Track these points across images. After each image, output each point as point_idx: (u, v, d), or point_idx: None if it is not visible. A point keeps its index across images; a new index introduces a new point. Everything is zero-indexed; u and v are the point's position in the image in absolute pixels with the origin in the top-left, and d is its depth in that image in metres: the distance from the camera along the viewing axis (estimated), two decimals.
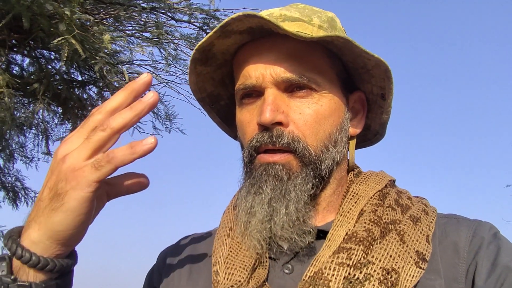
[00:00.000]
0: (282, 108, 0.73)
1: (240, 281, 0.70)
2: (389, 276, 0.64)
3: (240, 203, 0.76)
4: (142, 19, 4.43)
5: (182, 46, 4.63)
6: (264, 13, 0.78)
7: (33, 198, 5.55)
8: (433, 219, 0.76)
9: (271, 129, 0.73)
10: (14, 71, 4.12)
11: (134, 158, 0.57)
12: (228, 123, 0.94)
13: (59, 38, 2.87)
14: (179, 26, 4.56)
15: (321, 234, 0.75)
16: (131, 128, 5.17)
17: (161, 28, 4.22)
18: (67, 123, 4.85)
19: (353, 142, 0.84)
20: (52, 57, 4.19)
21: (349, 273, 0.65)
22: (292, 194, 0.72)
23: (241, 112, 0.79)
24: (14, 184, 5.41)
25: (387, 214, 0.75)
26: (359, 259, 0.67)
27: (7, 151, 5.06)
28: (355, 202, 0.77)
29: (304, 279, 0.67)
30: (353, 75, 0.83)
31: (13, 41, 3.59)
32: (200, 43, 0.76)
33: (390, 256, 0.67)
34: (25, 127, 4.78)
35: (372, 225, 0.71)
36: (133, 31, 4.46)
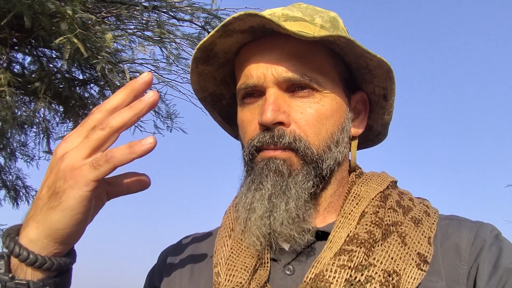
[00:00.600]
0: (284, 108, 0.73)
1: (241, 282, 0.70)
2: (391, 279, 0.64)
3: (240, 200, 0.75)
4: (144, 18, 4.43)
5: (183, 45, 4.63)
6: (266, 13, 0.77)
7: (34, 197, 5.56)
8: (434, 221, 0.76)
9: (272, 129, 0.72)
10: (15, 70, 4.12)
11: (133, 158, 0.57)
12: (230, 123, 0.94)
13: (61, 37, 2.87)
14: (180, 25, 4.57)
15: (322, 235, 0.74)
16: (132, 127, 5.18)
17: (162, 27, 4.22)
18: (68, 121, 4.85)
19: (354, 143, 0.84)
20: (54, 55, 4.19)
21: (350, 275, 0.64)
22: (293, 191, 0.71)
23: (243, 111, 0.79)
24: (15, 183, 5.42)
25: (388, 216, 0.74)
26: (360, 261, 0.66)
27: (8, 149, 5.06)
28: (356, 204, 0.76)
29: (305, 281, 0.66)
30: (355, 75, 0.83)
31: (14, 40, 3.58)
32: (201, 42, 0.75)
33: (392, 258, 0.66)
34: (26, 126, 4.78)
35: (373, 227, 0.71)
36: (135, 30, 4.46)
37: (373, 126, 0.89)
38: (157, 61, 4.68)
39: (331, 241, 0.71)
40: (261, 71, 0.74)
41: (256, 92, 0.76)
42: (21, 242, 0.59)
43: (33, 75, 3.97)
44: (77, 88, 4.53)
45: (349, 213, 0.75)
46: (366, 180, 0.82)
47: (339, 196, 0.80)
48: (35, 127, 4.91)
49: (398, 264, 0.66)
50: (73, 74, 4.48)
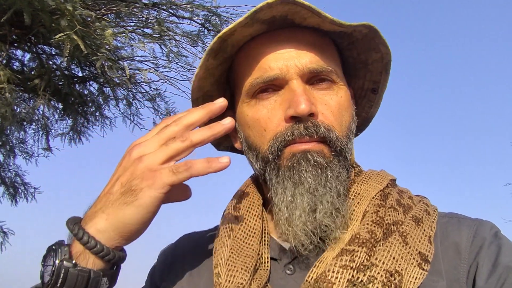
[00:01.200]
0: (312, 99, 0.72)
1: (242, 283, 0.69)
2: (393, 279, 0.64)
3: (279, 201, 0.72)
4: (144, 16, 4.43)
5: (183, 43, 4.63)
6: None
7: (33, 194, 5.55)
8: (434, 219, 0.76)
9: (305, 121, 0.70)
10: (14, 66, 4.11)
11: (209, 172, 0.63)
12: None
13: (61, 34, 2.86)
14: (180, 23, 4.56)
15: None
16: (132, 125, 5.18)
17: (162, 24, 4.21)
18: (67, 119, 4.85)
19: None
20: (53, 52, 4.19)
21: (352, 276, 0.64)
22: (333, 184, 0.71)
23: (256, 108, 0.75)
24: (13, 180, 5.41)
25: (389, 215, 0.74)
26: (362, 261, 0.66)
27: (7, 146, 5.06)
28: (357, 203, 0.76)
29: (307, 280, 0.66)
30: (347, 72, 0.83)
31: (14, 37, 3.58)
32: (226, 29, 0.71)
33: (393, 258, 0.66)
34: (25, 123, 4.77)
35: (374, 227, 0.71)
36: (135, 28, 4.45)
37: None
38: (157, 59, 4.69)
39: (334, 242, 0.71)
40: (282, 63, 0.72)
41: (271, 87, 0.74)
42: (89, 231, 0.62)
43: (33, 72, 3.96)
44: (77, 85, 4.52)
45: (351, 213, 0.74)
46: (365, 178, 0.81)
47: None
48: (34, 124, 4.91)
49: (400, 264, 0.66)
50: (73, 71, 4.48)
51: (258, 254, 0.74)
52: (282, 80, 0.73)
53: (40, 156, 5.25)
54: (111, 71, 3.69)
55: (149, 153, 0.63)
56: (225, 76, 0.84)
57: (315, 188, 0.70)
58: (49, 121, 4.90)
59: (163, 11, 4.38)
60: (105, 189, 0.65)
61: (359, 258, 0.66)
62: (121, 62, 4.17)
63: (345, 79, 0.80)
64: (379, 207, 0.75)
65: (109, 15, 4.17)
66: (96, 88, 4.77)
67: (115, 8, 4.11)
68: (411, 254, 0.68)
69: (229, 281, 0.70)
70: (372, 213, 0.73)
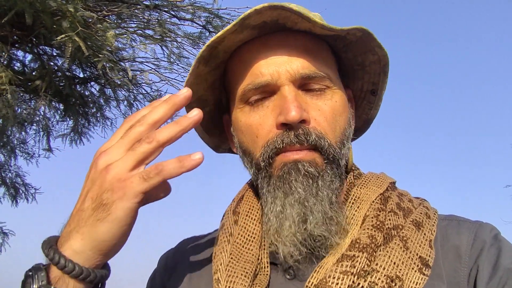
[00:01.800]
0: (303, 105, 0.70)
1: None
2: (393, 284, 0.63)
3: (268, 211, 0.72)
4: (145, 17, 4.43)
5: (185, 44, 4.63)
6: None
7: (33, 195, 5.56)
8: (434, 222, 0.75)
9: (296, 128, 0.69)
10: (15, 67, 4.12)
11: (183, 171, 0.58)
12: (208, 132, 0.89)
13: (62, 35, 2.86)
14: (182, 25, 4.57)
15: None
16: None
17: (164, 26, 4.22)
18: (68, 119, 4.86)
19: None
20: (55, 54, 4.19)
21: (353, 282, 0.63)
22: (324, 193, 0.69)
23: (248, 115, 0.74)
24: (14, 180, 5.41)
25: (389, 219, 0.73)
26: (363, 266, 0.65)
27: (8, 147, 5.06)
28: (357, 207, 0.75)
29: (307, 286, 0.65)
30: (345, 74, 0.82)
31: (15, 38, 3.58)
32: (214, 37, 0.71)
33: (394, 263, 0.66)
34: (26, 124, 4.78)
35: (375, 231, 0.70)
36: (136, 29, 4.45)
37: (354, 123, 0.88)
38: (158, 60, 4.69)
39: (334, 246, 0.71)
40: (274, 68, 0.71)
41: (263, 93, 0.73)
42: (65, 254, 0.58)
43: (34, 73, 3.97)
44: (78, 86, 4.53)
45: (351, 218, 0.74)
46: (365, 182, 0.80)
47: (339, 196, 0.79)
48: (35, 124, 4.92)
49: (400, 269, 0.65)
50: (74, 72, 4.49)
51: (258, 259, 0.73)
52: (274, 86, 0.71)
53: (41, 157, 5.26)
54: (112, 72, 3.70)
55: (116, 161, 0.58)
56: (219, 81, 0.83)
57: (305, 199, 0.69)
58: (50, 122, 4.92)
59: (164, 12, 4.38)
60: (76, 206, 0.61)
61: (359, 263, 0.65)
62: (122, 63, 4.18)
63: (341, 81, 0.79)
64: (379, 211, 0.74)
65: (110, 16, 4.18)
66: (97, 89, 4.78)
67: (116, 10, 4.11)
68: (412, 259, 0.67)
69: (229, 287, 0.69)
70: (372, 218, 0.73)
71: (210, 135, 0.90)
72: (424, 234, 0.72)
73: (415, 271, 0.66)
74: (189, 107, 0.81)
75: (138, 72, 4.54)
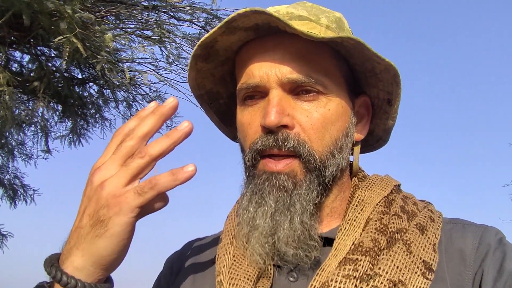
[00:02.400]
0: (288, 110, 0.70)
1: None
2: None
3: (242, 213, 0.73)
4: (144, 18, 4.43)
5: (183, 45, 4.63)
6: (270, 10, 0.75)
7: (32, 196, 5.56)
8: (439, 226, 0.74)
9: (276, 132, 0.69)
10: (13, 68, 4.11)
11: (176, 184, 0.59)
12: (227, 123, 0.91)
13: (60, 37, 2.86)
14: (180, 25, 4.56)
15: (326, 240, 0.73)
16: None
17: (162, 27, 4.22)
18: (67, 121, 4.85)
19: (357, 148, 0.81)
20: (53, 54, 4.18)
21: (355, 286, 0.63)
22: (297, 206, 0.69)
23: (242, 113, 0.76)
24: (12, 182, 5.41)
25: (393, 223, 0.73)
26: (365, 270, 0.65)
27: (6, 148, 5.05)
28: (361, 210, 0.74)
29: None
30: (359, 79, 0.80)
31: (13, 38, 3.57)
32: (203, 38, 0.72)
33: (397, 267, 0.65)
34: (24, 125, 4.77)
35: (378, 234, 0.70)
36: (134, 30, 4.45)
37: (374, 131, 0.86)
38: (157, 61, 4.69)
39: (336, 248, 0.70)
40: (264, 70, 0.71)
41: (258, 94, 0.74)
42: (66, 271, 0.60)
43: (32, 74, 3.97)
44: (76, 87, 4.52)
45: (354, 220, 0.73)
46: (369, 184, 0.80)
47: (342, 200, 0.78)
48: (33, 126, 4.91)
49: (403, 273, 0.65)
50: (72, 73, 4.48)
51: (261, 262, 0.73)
52: (263, 88, 0.72)
53: (39, 158, 5.26)
54: (111, 74, 3.69)
55: (110, 177, 0.59)
56: (230, 76, 0.84)
57: (276, 212, 0.69)
58: (48, 123, 4.91)
59: (163, 13, 4.38)
60: (75, 223, 0.62)
61: (362, 267, 0.65)
62: (120, 64, 4.17)
63: (350, 88, 0.78)
64: (383, 214, 0.74)
65: (108, 17, 4.17)
66: (96, 90, 4.78)
67: (114, 10, 4.11)
68: (415, 263, 0.67)
69: None
70: (376, 221, 0.72)
71: (228, 126, 0.91)
72: (428, 237, 0.71)
73: (418, 275, 0.66)
74: (200, 98, 0.85)
75: (137, 73, 4.54)
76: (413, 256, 0.67)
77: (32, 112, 4.42)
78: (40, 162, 5.32)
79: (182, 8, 4.37)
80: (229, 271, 0.72)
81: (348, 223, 0.73)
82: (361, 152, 0.87)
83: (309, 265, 0.71)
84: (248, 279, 0.70)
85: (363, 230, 0.72)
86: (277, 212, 0.69)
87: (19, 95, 4.14)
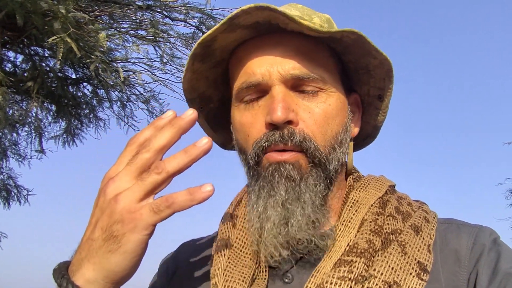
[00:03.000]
0: (292, 106, 0.70)
1: None
2: None
3: (251, 209, 0.72)
4: (138, 18, 4.41)
5: (178, 45, 4.62)
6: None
7: (26, 197, 5.53)
8: (433, 226, 0.75)
9: (281, 128, 0.69)
10: (6, 68, 4.09)
11: (193, 204, 0.57)
12: (214, 129, 0.89)
13: (54, 37, 2.84)
14: (175, 25, 4.55)
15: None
16: (126, 127, 5.16)
17: (156, 26, 4.21)
18: (60, 121, 4.83)
19: (351, 144, 0.82)
20: (46, 54, 4.16)
21: (350, 287, 0.63)
22: (307, 196, 0.69)
23: (242, 113, 0.75)
24: (6, 182, 5.38)
25: (388, 224, 0.73)
26: (360, 272, 0.65)
27: (0, 149, 5.02)
28: (355, 211, 0.75)
29: None
30: (350, 77, 0.81)
31: (6, 38, 3.55)
32: (204, 36, 0.71)
33: (392, 268, 0.65)
34: (18, 125, 4.74)
35: (373, 236, 0.70)
36: (128, 29, 4.43)
37: (363, 129, 0.87)
38: (151, 60, 4.67)
39: (331, 249, 0.70)
40: (266, 68, 0.71)
41: (257, 92, 0.73)
42: (77, 283, 0.59)
43: (26, 74, 3.94)
44: (70, 87, 4.50)
45: (349, 221, 0.73)
46: (364, 185, 0.80)
47: (338, 199, 0.78)
48: (27, 126, 4.88)
49: (398, 275, 0.65)
50: (66, 73, 4.46)
51: (256, 263, 0.73)
52: (265, 85, 0.71)
53: (33, 159, 5.23)
54: (105, 73, 3.68)
55: (124, 191, 0.57)
56: (222, 78, 0.83)
57: (287, 201, 0.69)
58: (42, 123, 4.88)
59: (157, 13, 4.37)
60: (86, 233, 0.61)
61: (357, 269, 0.65)
62: (115, 64, 4.16)
63: (344, 85, 0.79)
64: (378, 215, 0.74)
65: (102, 17, 4.16)
66: (90, 90, 4.76)
67: (108, 10, 4.09)
68: (410, 264, 0.67)
69: None
70: (370, 222, 0.72)
71: (216, 132, 0.90)
72: (423, 238, 0.72)
73: (413, 276, 0.66)
74: (192, 102, 0.83)
75: (131, 73, 4.52)
76: (408, 257, 0.68)
77: (26, 112, 4.39)
78: (34, 162, 5.30)
79: (176, 8, 4.36)
80: (223, 273, 0.72)
81: (343, 224, 0.73)
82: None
83: (304, 264, 0.72)
84: (243, 281, 0.70)
85: (358, 231, 0.72)
86: (288, 200, 0.68)
87: (13, 95, 4.11)
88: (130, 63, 4.65)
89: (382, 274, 0.64)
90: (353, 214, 0.74)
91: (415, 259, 0.68)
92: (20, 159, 5.25)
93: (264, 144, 0.70)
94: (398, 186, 0.86)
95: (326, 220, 0.71)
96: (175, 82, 4.83)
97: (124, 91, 4.74)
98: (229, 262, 0.74)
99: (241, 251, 0.75)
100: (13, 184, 5.43)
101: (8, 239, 5.51)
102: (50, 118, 4.84)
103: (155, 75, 4.70)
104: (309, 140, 0.70)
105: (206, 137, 0.59)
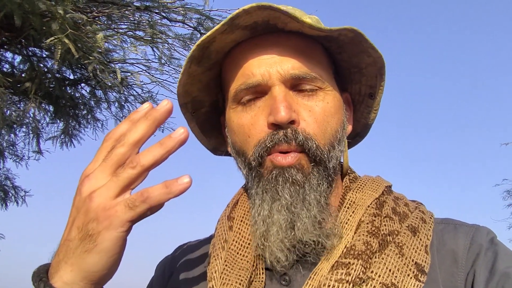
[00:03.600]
0: (294, 106, 0.70)
1: None
2: None
3: (256, 213, 0.71)
4: (136, 18, 4.41)
5: (176, 46, 4.62)
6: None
7: (23, 197, 5.51)
8: (430, 227, 0.75)
9: (285, 128, 0.69)
10: (4, 69, 4.08)
11: (170, 197, 0.56)
12: (205, 134, 0.89)
13: (52, 38, 2.84)
14: (173, 26, 4.55)
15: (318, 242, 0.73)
16: None
17: (154, 27, 4.20)
18: (58, 121, 4.82)
19: (346, 142, 0.82)
20: (44, 55, 4.15)
21: None
22: (312, 196, 0.69)
23: (240, 115, 0.74)
24: (3, 183, 5.36)
25: (385, 225, 0.73)
26: (358, 274, 0.65)
27: None
28: (352, 212, 0.74)
29: None
30: (342, 76, 0.82)
31: (4, 39, 3.54)
32: (204, 37, 0.70)
33: (390, 270, 0.65)
34: (15, 126, 4.73)
35: (370, 237, 0.70)
36: (126, 30, 4.43)
37: (353, 128, 0.87)
38: (149, 61, 4.67)
39: (328, 251, 0.70)
40: (265, 68, 0.71)
41: (255, 93, 0.73)
42: (55, 286, 0.57)
43: (23, 75, 3.94)
44: (68, 88, 4.49)
45: (346, 223, 0.73)
46: (361, 186, 0.80)
47: (336, 197, 0.78)
48: (24, 127, 4.87)
49: (396, 276, 0.65)
50: (64, 74, 4.45)
51: (253, 265, 0.72)
52: (265, 86, 0.71)
53: (30, 159, 5.22)
54: (102, 74, 3.68)
55: (99, 188, 0.56)
56: (215, 82, 0.82)
57: (292, 204, 0.68)
58: (40, 124, 4.87)
59: (155, 14, 4.36)
60: (64, 235, 0.59)
61: (355, 271, 0.65)
62: (112, 65, 4.15)
63: (337, 84, 0.79)
64: (375, 217, 0.74)
65: (100, 17, 4.15)
66: (88, 91, 4.75)
67: (106, 11, 4.09)
68: (407, 265, 0.67)
69: None
70: (367, 223, 0.72)
71: (207, 137, 0.89)
72: (420, 239, 0.71)
73: (411, 277, 0.66)
74: (184, 107, 0.82)
75: (129, 74, 4.52)
76: (406, 259, 0.68)
77: (24, 113, 4.38)
78: (32, 163, 5.29)
79: (174, 9, 4.36)
80: (220, 276, 0.71)
81: (340, 225, 0.73)
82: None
83: (301, 266, 0.71)
84: (240, 284, 0.69)
85: (355, 233, 0.72)
86: (293, 204, 0.68)
87: (10, 96, 4.10)
88: (128, 64, 4.65)
89: (379, 276, 0.64)
90: (350, 216, 0.74)
91: (413, 260, 0.68)
92: (17, 160, 5.24)
93: (268, 145, 0.69)
94: (395, 186, 0.86)
95: (331, 219, 0.71)
96: (173, 83, 4.84)
97: (122, 92, 4.74)
98: (226, 265, 0.73)
99: (238, 253, 0.74)
100: (11, 185, 5.42)
101: (5, 240, 5.50)
102: (47, 119, 4.83)
103: (153, 76, 4.70)
104: (311, 139, 0.70)
105: (182, 127, 0.57)
